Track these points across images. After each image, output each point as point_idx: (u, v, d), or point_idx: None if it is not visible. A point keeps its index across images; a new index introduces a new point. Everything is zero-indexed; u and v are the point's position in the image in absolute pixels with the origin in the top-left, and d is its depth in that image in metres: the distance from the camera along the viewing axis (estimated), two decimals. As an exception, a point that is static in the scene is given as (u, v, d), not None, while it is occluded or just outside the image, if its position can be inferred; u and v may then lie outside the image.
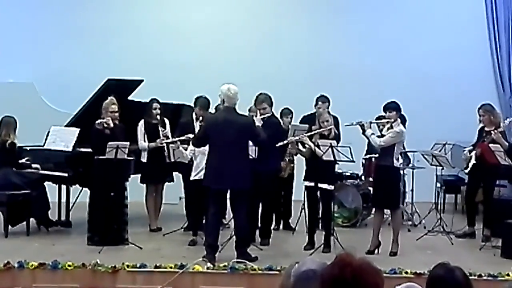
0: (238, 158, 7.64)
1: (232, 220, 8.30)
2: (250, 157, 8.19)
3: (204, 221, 8.50)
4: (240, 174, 7.63)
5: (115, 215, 8.40)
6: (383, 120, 8.40)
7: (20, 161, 9.04)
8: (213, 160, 7.74)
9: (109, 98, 8.62)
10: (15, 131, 8.96)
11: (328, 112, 8.63)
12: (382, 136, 8.27)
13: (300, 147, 8.54)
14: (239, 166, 7.62)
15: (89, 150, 8.76)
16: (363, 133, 8.37)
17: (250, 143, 8.08)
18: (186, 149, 8.53)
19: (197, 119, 8.82)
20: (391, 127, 8.25)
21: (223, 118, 7.78)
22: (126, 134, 8.58)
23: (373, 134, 8.32)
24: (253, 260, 7.54)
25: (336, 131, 8.48)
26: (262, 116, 8.60)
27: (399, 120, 8.32)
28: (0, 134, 8.95)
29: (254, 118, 8.27)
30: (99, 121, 8.45)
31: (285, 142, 8.57)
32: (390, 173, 8.30)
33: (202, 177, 8.23)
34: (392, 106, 8.29)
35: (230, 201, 7.92)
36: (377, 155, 8.64)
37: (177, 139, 8.76)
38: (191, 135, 8.45)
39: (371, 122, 8.40)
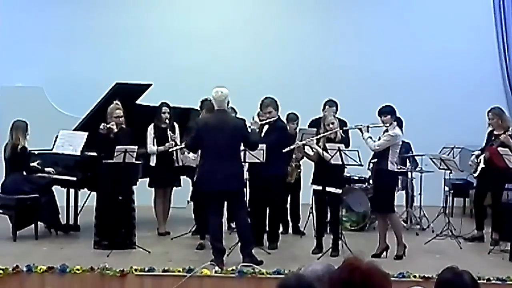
0: (230, 160, 7.63)
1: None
2: (258, 161, 8.22)
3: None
4: (233, 176, 7.62)
5: (122, 219, 8.41)
6: (379, 124, 8.38)
7: (31, 165, 9.06)
8: (205, 163, 7.73)
9: (114, 103, 8.65)
10: (26, 135, 8.98)
11: (334, 116, 8.61)
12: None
13: (309, 151, 8.53)
14: (232, 168, 7.62)
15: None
16: (362, 136, 8.36)
17: (261, 147, 8.11)
18: (189, 153, 8.56)
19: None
20: (387, 130, 8.25)
21: (214, 121, 7.77)
22: (132, 138, 8.58)
23: (369, 137, 8.30)
24: (259, 263, 7.54)
25: (343, 135, 8.47)
26: (268, 120, 8.61)
27: (394, 123, 8.31)
28: (11, 138, 8.98)
29: (251, 121, 8.17)
30: (102, 125, 8.48)
31: (292, 147, 8.57)
32: (384, 176, 8.30)
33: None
34: (386, 110, 8.29)
35: (229, 206, 7.94)
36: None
37: (182, 145, 8.77)
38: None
39: (368, 126, 8.38)
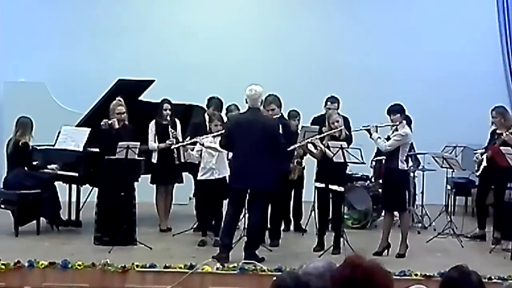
0: (260, 158, 7.60)
1: (243, 221, 8.30)
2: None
3: (214, 221, 8.54)
4: (261, 175, 7.59)
5: (123, 215, 8.40)
6: (388, 123, 8.37)
7: (34, 163, 9.06)
8: (235, 159, 7.80)
9: (116, 99, 8.65)
10: (31, 132, 8.97)
11: (338, 113, 8.60)
12: (389, 139, 8.27)
13: (312, 148, 8.52)
14: (261, 166, 7.59)
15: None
16: (371, 136, 8.35)
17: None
18: (192, 150, 8.57)
19: (209, 119, 8.84)
20: (396, 129, 8.24)
21: (246, 118, 7.80)
22: (134, 135, 8.59)
23: (379, 138, 8.29)
24: (260, 260, 7.55)
25: (347, 132, 8.47)
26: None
27: (404, 122, 8.30)
28: (15, 134, 8.98)
29: None
30: (104, 121, 8.48)
31: (297, 145, 8.57)
32: (395, 175, 8.28)
33: (209, 178, 8.29)
34: (395, 109, 8.27)
35: (248, 202, 7.91)
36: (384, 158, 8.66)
37: (186, 142, 8.77)
38: (199, 138, 8.45)
39: (377, 126, 8.37)
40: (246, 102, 7.94)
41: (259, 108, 7.85)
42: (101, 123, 8.49)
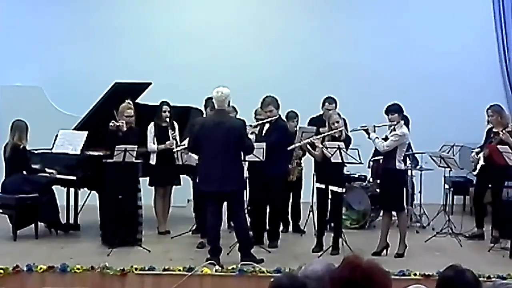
0: (227, 160, 7.60)
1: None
2: (257, 160, 8.22)
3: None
4: (229, 176, 7.60)
5: (126, 217, 8.39)
6: (386, 123, 8.37)
7: (33, 167, 9.06)
8: (203, 162, 7.78)
9: (126, 102, 8.71)
10: (27, 135, 8.97)
11: (338, 114, 8.60)
12: (387, 138, 8.27)
13: (311, 149, 8.52)
14: (228, 168, 7.59)
15: (97, 153, 8.83)
16: (369, 137, 8.35)
17: (261, 145, 8.13)
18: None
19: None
20: (394, 129, 8.24)
21: (212, 121, 7.80)
22: (140, 138, 8.61)
23: (377, 138, 8.29)
24: (258, 262, 7.54)
25: (346, 133, 8.46)
26: (269, 119, 8.61)
27: (402, 122, 8.30)
28: (12, 138, 8.97)
29: (249, 129, 8.26)
30: (112, 122, 8.49)
31: (297, 145, 8.57)
32: (393, 175, 8.29)
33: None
34: (393, 109, 8.28)
35: (227, 207, 7.92)
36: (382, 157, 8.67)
37: (186, 146, 8.78)
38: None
39: (374, 126, 8.37)
40: (213, 105, 7.90)
41: (226, 109, 7.84)
42: (110, 125, 8.51)
